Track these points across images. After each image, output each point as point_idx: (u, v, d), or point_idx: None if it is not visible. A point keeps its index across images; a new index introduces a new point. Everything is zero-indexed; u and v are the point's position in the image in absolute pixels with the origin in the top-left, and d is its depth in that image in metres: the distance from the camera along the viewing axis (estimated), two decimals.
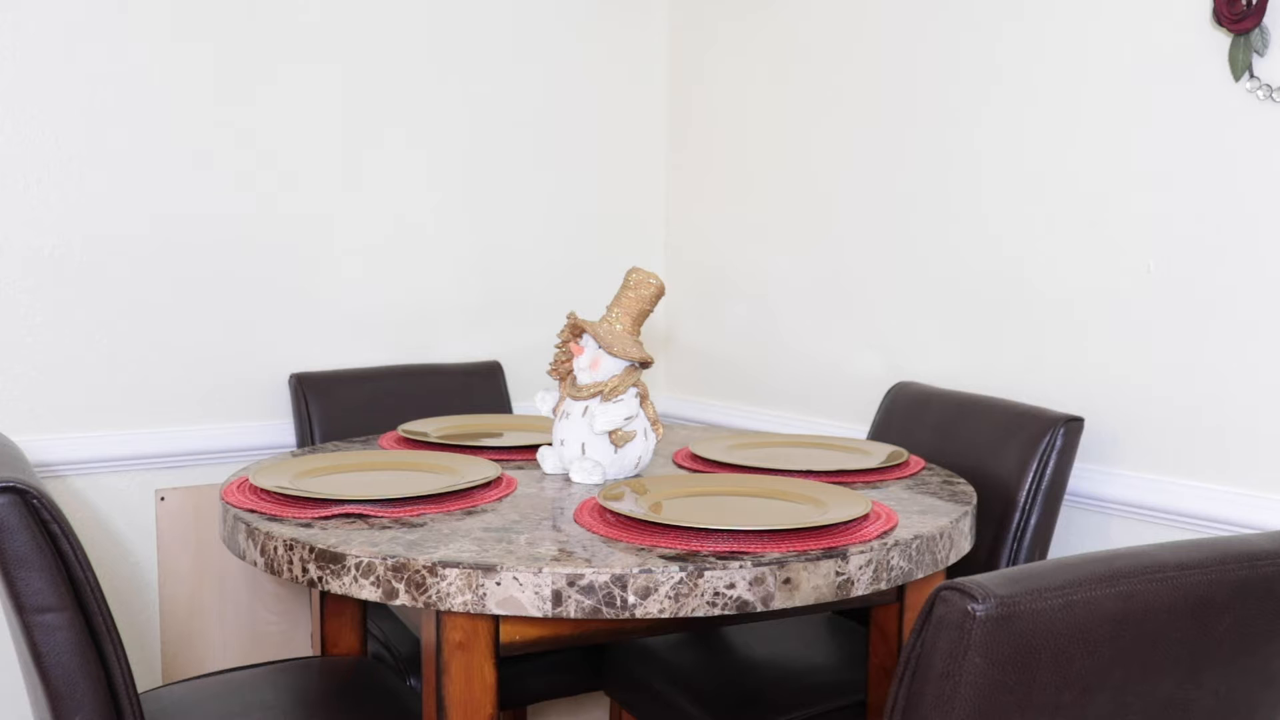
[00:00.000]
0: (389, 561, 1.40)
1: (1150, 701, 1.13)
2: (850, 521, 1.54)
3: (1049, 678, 1.06)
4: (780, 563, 1.41)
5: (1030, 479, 2.03)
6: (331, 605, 2.03)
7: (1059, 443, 2.03)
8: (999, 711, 1.05)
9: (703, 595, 1.38)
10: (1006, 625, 1.02)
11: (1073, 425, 2.04)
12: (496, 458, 2.00)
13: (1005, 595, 1.02)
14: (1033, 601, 1.03)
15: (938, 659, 1.04)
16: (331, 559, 1.44)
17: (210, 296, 2.50)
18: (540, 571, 1.36)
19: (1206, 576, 1.11)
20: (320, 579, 1.45)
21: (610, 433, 1.80)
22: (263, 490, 1.70)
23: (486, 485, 1.74)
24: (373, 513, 1.58)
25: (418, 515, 1.59)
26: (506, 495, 1.72)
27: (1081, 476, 2.14)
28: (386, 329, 2.74)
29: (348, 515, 1.58)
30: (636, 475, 1.86)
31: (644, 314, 1.86)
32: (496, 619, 1.46)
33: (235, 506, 1.64)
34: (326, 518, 1.57)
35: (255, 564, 1.55)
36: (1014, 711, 1.06)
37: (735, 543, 1.46)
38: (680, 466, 1.99)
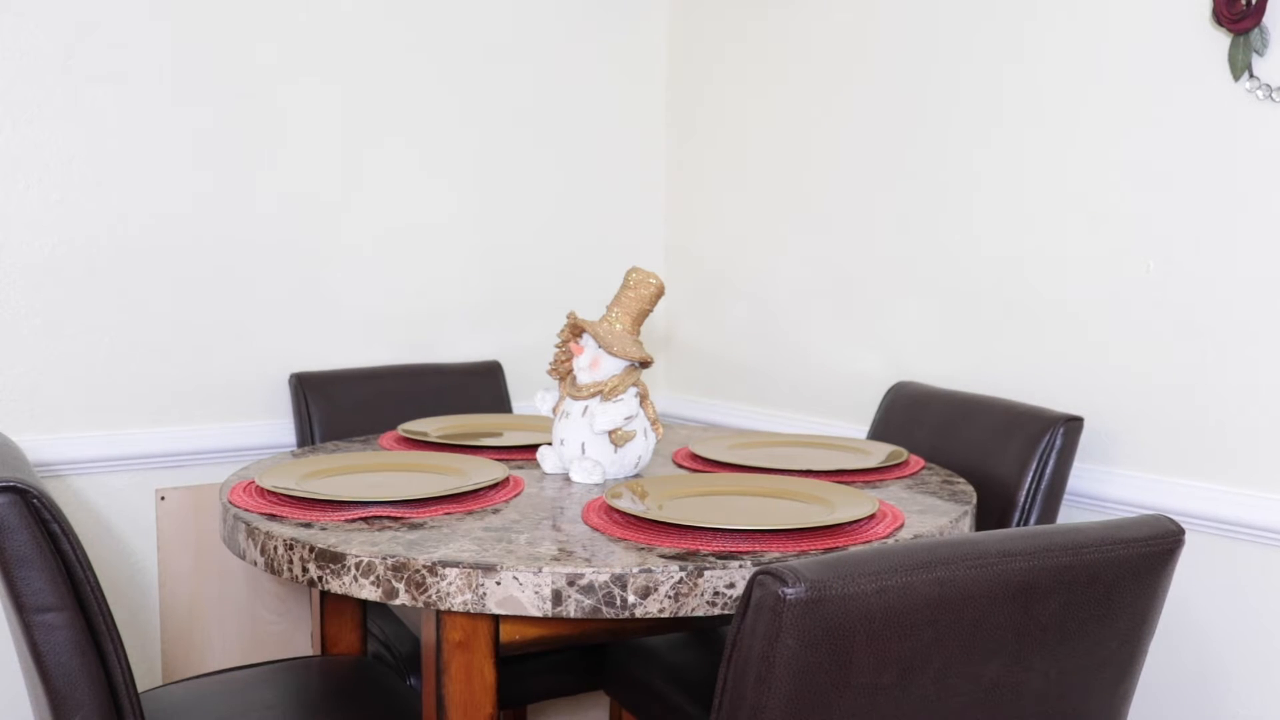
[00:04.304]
0: (389, 561, 1.40)
1: (977, 684, 1.16)
2: (856, 521, 1.54)
3: (866, 660, 1.08)
4: (780, 562, 1.41)
5: (1030, 478, 2.03)
6: (331, 605, 2.03)
7: (1059, 442, 2.03)
8: (817, 691, 1.08)
9: (703, 595, 1.38)
10: (817, 608, 1.05)
11: (1072, 425, 2.04)
12: (496, 457, 2.00)
13: (816, 579, 1.05)
14: (845, 586, 1.06)
15: (756, 641, 1.07)
16: (331, 559, 1.44)
17: (210, 296, 2.50)
18: (540, 571, 1.36)
19: (1028, 563, 1.14)
20: (320, 579, 1.45)
21: (610, 432, 1.80)
22: (275, 493, 1.69)
23: (495, 486, 1.75)
24: (394, 514, 1.58)
25: (438, 515, 1.59)
26: (515, 495, 1.72)
27: (1081, 476, 2.14)
28: (387, 329, 2.74)
29: (369, 518, 1.58)
30: (636, 475, 1.87)
31: (644, 314, 1.86)
32: (496, 619, 1.46)
33: (249, 511, 1.63)
34: (350, 520, 1.57)
35: (255, 564, 1.55)
36: (832, 691, 1.08)
37: (735, 543, 1.46)
38: (680, 466, 1.99)
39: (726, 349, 2.99)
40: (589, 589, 1.36)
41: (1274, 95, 1.86)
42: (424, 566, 1.38)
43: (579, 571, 1.36)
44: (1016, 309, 2.28)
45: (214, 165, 2.49)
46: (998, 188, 2.31)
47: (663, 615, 1.37)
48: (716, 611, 1.39)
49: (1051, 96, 2.20)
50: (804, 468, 1.90)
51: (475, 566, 1.37)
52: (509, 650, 1.48)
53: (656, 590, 1.37)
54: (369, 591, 1.41)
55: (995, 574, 1.12)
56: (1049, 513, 2.04)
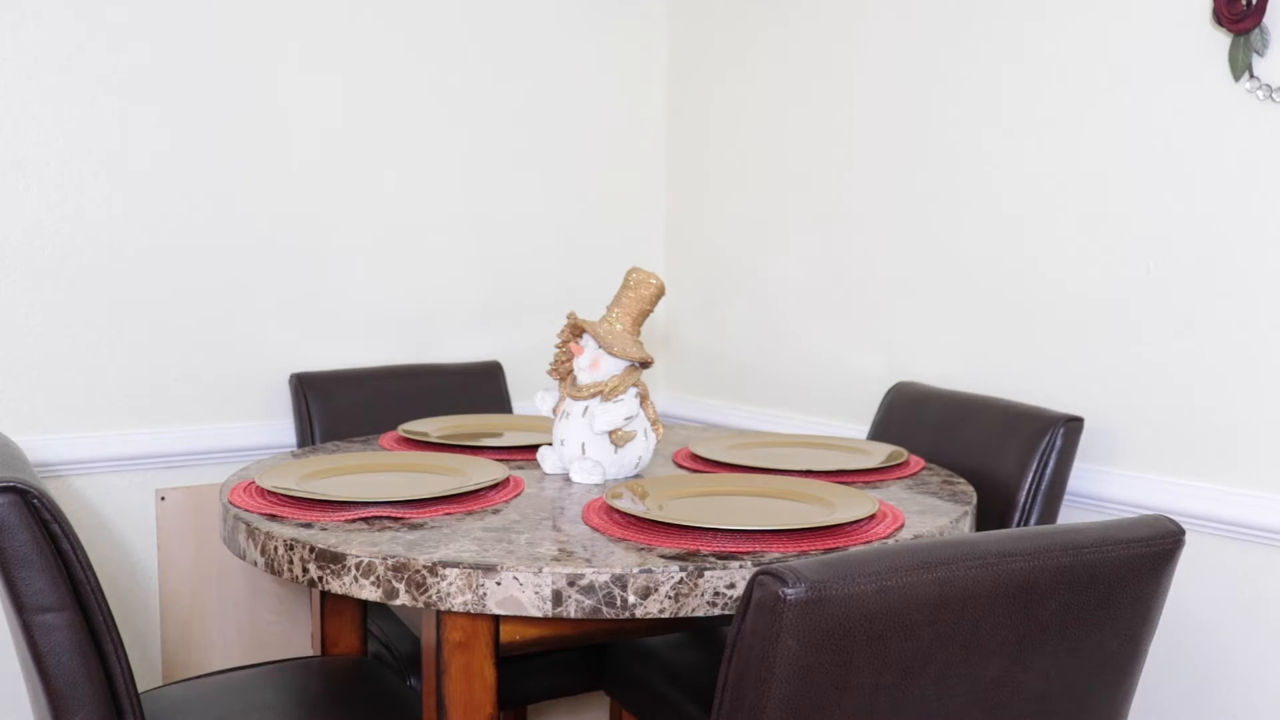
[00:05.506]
0: (389, 561, 1.40)
1: (976, 684, 1.16)
2: (856, 522, 1.54)
3: (866, 660, 1.08)
4: (780, 563, 1.41)
5: (1030, 479, 2.03)
6: (331, 605, 2.03)
7: (1059, 443, 2.03)
8: (816, 692, 1.08)
9: (703, 595, 1.38)
10: (818, 608, 1.05)
11: (1072, 425, 2.04)
12: (497, 458, 2.00)
13: (816, 579, 1.05)
14: (845, 586, 1.06)
15: (756, 641, 1.07)
16: (332, 559, 1.44)
17: (211, 296, 2.50)
18: (540, 571, 1.36)
19: (1029, 564, 1.14)
20: (320, 579, 1.45)
21: (610, 433, 1.80)
22: (275, 493, 1.69)
23: (495, 486, 1.75)
24: (394, 514, 1.58)
25: (438, 515, 1.59)
26: (515, 496, 1.72)
27: (1081, 476, 2.14)
28: (387, 329, 2.74)
29: (369, 518, 1.58)
30: (636, 475, 1.87)
31: (644, 314, 1.86)
32: (496, 619, 1.46)
33: (251, 512, 1.63)
34: (350, 520, 1.57)
35: (255, 564, 1.55)
36: (831, 691, 1.08)
37: (735, 543, 1.46)
38: (680, 466, 1.99)
39: (727, 349, 2.99)
40: (589, 589, 1.36)
41: (1274, 95, 1.86)
42: (424, 567, 1.38)
43: (579, 572, 1.36)
44: (1016, 309, 2.28)
45: (214, 165, 2.49)
46: (998, 187, 2.31)
47: (663, 615, 1.37)
48: (717, 612, 1.39)
49: (1052, 97, 2.19)
50: (804, 468, 1.90)
51: (475, 567, 1.37)
52: (509, 650, 1.48)
53: (657, 590, 1.37)
54: (369, 592, 1.41)
55: (995, 574, 1.12)
56: (1049, 513, 2.04)
